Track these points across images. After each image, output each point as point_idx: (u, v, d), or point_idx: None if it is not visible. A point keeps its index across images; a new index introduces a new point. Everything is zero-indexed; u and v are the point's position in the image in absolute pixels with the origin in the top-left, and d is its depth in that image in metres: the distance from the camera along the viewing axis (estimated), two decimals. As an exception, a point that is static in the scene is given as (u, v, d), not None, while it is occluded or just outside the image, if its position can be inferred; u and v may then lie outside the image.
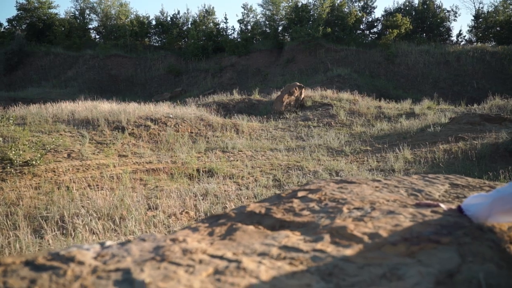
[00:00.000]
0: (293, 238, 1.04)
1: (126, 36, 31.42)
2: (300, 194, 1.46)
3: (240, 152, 10.40)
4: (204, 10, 33.41)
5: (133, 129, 11.30)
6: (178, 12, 34.12)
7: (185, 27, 33.82)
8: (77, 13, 33.97)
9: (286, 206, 1.33)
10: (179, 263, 0.90)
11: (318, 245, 0.98)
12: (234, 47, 29.80)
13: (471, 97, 20.73)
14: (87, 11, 34.16)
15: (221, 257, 0.93)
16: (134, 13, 34.91)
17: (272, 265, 0.89)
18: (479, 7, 38.72)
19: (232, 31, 36.84)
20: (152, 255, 0.95)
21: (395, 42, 27.85)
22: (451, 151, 9.32)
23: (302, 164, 8.90)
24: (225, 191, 6.65)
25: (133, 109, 12.94)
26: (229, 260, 0.91)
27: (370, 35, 32.07)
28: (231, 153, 10.29)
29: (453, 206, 1.42)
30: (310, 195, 1.43)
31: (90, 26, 34.85)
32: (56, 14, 33.35)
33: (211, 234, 1.18)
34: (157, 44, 34.02)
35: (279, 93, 17.93)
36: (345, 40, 28.69)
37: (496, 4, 33.74)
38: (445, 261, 0.88)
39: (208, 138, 11.85)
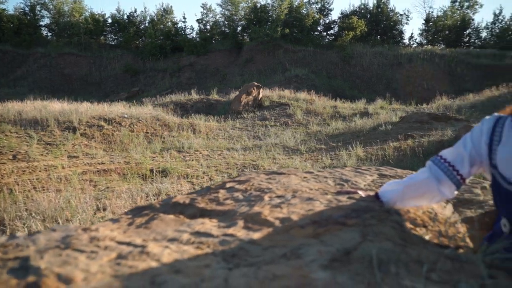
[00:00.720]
0: (208, 224, 1.05)
1: (80, 34, 30.36)
2: (228, 185, 1.48)
3: (196, 152, 10.32)
4: (162, 9, 32.92)
5: (85, 130, 10.94)
6: (135, 11, 33.42)
7: (142, 26, 33.14)
8: (27, 9, 32.40)
9: (211, 196, 1.34)
10: (83, 250, 0.88)
11: (230, 230, 0.99)
12: (192, 47, 29.53)
13: (421, 97, 21.64)
14: (38, 7, 32.66)
15: (129, 243, 0.93)
16: (89, 11, 33.88)
17: (178, 249, 0.90)
18: (429, 12, 40.49)
19: (191, 30, 36.47)
20: (57, 243, 0.93)
21: (351, 44, 28.61)
22: (400, 148, 9.69)
23: (258, 163, 8.96)
24: (178, 190, 6.58)
25: (85, 109, 12.53)
26: (135, 246, 0.91)
27: (327, 37, 32.78)
28: (187, 153, 10.20)
29: (372, 193, 1.49)
30: (237, 186, 1.44)
31: (41, 23, 33.36)
32: (4, 10, 31.64)
33: (130, 224, 1.16)
34: (113, 43, 33.11)
35: (237, 93, 17.97)
36: (303, 41, 29.16)
37: (445, 9, 35.50)
38: (347, 240, 0.92)
39: (164, 138, 11.67)
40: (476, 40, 33.84)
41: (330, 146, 10.87)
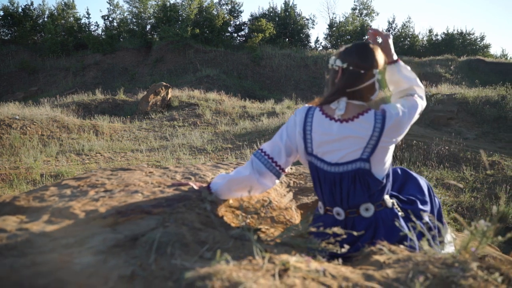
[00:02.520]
0: (9, 221, 1.04)
1: (-36, 27, 27.23)
2: (64, 182, 1.46)
3: (97, 154, 9.86)
4: (63, 3, 30.76)
5: (-33, 133, 9.87)
6: (32, 4, 30.65)
7: (40, 20, 30.67)
8: None
9: (38, 194, 1.32)
10: None
11: (28, 225, 1.00)
12: (98, 45, 28.06)
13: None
14: None
15: None
16: (-24, 1, 30.48)
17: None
18: (332, 17, 43.14)
19: (96, 27, 34.63)
20: None
21: (261, 46, 29.35)
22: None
23: (162, 163, 8.83)
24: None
25: (-32, 110, 11.30)
26: None
27: (238, 38, 33.28)
28: (87, 155, 9.70)
29: (204, 185, 1.59)
30: (72, 183, 1.44)
31: None
32: None
33: None
34: (6, 38, 30.17)
35: (145, 93, 17.48)
36: (214, 42, 29.26)
37: (346, 15, 38.02)
38: (141, 227, 0.98)
39: (62, 140, 10.96)
40: (374, 45, 36.72)
41: (236, 145, 11.07)
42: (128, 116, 15.29)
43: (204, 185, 1.60)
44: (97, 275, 0.74)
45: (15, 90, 25.06)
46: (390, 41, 1.80)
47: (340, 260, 1.13)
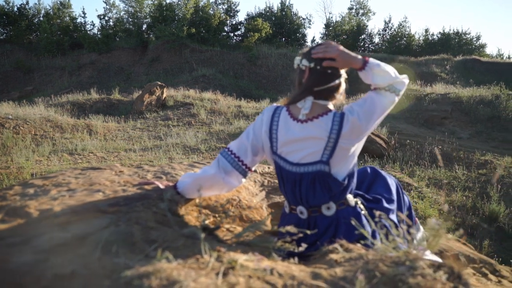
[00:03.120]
0: (-38, 220, 1.04)
1: (-40, 26, 27.13)
2: (30, 181, 1.46)
3: (90, 154, 9.84)
4: (59, 3, 30.68)
5: (-41, 133, 9.84)
6: (27, 3, 30.55)
7: (36, 20, 30.57)
8: None
9: (1, 193, 1.32)
10: None
11: (-21, 224, 1.00)
12: (94, 44, 28.00)
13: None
14: None
15: None
16: (-29, 0, 30.34)
17: None
18: (329, 17, 43.15)
19: (92, 26, 34.49)
20: None
21: (257, 45, 29.35)
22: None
23: (154, 163, 8.82)
24: (61, 194, 6.23)
25: (-39, 110, 11.26)
26: None
27: (234, 37, 33.27)
28: (80, 155, 9.68)
29: (171, 184, 1.59)
30: (37, 182, 1.44)
31: None
32: None
33: None
34: (1, 37, 30.07)
35: (141, 92, 17.45)
36: (210, 41, 29.24)
37: (343, 15, 38.09)
38: (93, 226, 0.98)
39: (55, 140, 10.94)
40: (370, 45, 36.83)
41: (229, 144, 11.07)
42: (123, 116, 15.27)
43: (171, 184, 1.61)
44: (31, 274, 0.74)
45: (10, 89, 25.00)
46: (341, 48, 1.64)
47: (296, 259, 1.13)
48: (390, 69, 1.64)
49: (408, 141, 10.67)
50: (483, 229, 6.94)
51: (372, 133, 9.95)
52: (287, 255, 1.26)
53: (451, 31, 35.23)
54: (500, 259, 6.01)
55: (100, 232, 0.95)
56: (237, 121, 14.77)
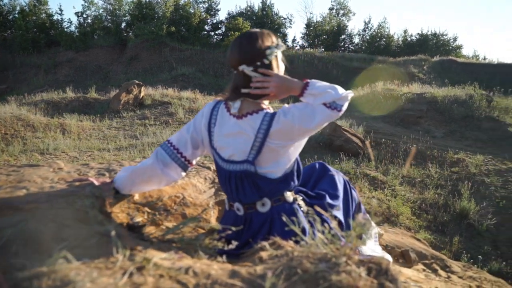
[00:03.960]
0: None
1: None
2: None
3: (62, 154, 9.63)
4: (35, -1, 30.00)
5: None
6: (2, -1, 29.78)
7: (11, 17, 29.81)
8: None
9: None
10: None
11: None
12: (71, 42, 27.46)
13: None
14: None
15: None
16: None
17: None
18: (310, 17, 43.33)
19: (69, 24, 33.84)
20: None
21: (237, 44, 29.22)
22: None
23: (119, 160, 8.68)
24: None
25: None
26: None
27: (215, 36, 33.10)
28: (52, 154, 9.46)
29: (108, 180, 1.54)
30: (-37, 179, 1.37)
31: None
32: None
33: None
34: (-26, 34, 29.22)
35: (118, 91, 17.18)
36: (190, 40, 29.02)
37: (324, 15, 38.34)
38: (3, 223, 0.92)
39: (26, 139, 10.66)
40: (350, 45, 37.18)
41: (206, 143, 10.99)
42: (99, 115, 15.01)
43: (108, 180, 1.55)
44: None
45: (-17, 88, 24.28)
46: (277, 83, 1.57)
47: (224, 257, 1.09)
48: (332, 89, 1.57)
49: (383, 140, 10.78)
50: (453, 226, 7.06)
51: (348, 132, 10.02)
52: (219, 254, 1.23)
53: (429, 32, 35.87)
54: (469, 255, 6.12)
55: (4, 231, 0.89)
56: (215, 120, 14.70)
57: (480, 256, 6.10)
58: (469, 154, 10.42)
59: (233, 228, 1.39)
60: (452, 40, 35.87)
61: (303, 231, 1.45)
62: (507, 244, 6.90)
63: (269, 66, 1.59)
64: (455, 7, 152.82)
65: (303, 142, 1.57)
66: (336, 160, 9.11)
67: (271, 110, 1.61)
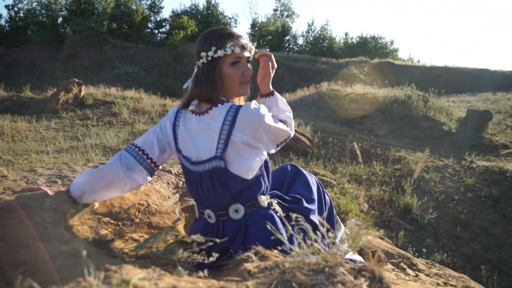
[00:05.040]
0: None
1: None
2: None
3: (-5, 157, 8.88)
4: (-42, -11, 27.56)
5: None
6: None
7: None
8: None
9: None
10: None
11: None
12: (1, 37, 25.54)
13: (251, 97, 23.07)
14: None
15: None
16: None
17: None
18: (255, 17, 43.66)
19: (-1, 18, 31.44)
20: None
21: (183, 43, 28.74)
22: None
23: (70, 165, 8.18)
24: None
25: None
26: None
27: (159, 35, 32.31)
28: (-18, 159, 8.69)
29: (63, 189, 1.39)
30: None
31: None
32: None
33: None
34: None
35: (56, 90, 16.20)
36: (133, 38, 28.09)
37: (268, 16, 38.75)
38: None
39: (-49, 142, 9.72)
40: (294, 46, 37.89)
41: (153, 144, 10.66)
42: (35, 115, 14.05)
43: (63, 189, 1.40)
44: None
45: None
46: (273, 72, 1.79)
47: (206, 271, 1.00)
48: (289, 108, 1.80)
49: (330, 139, 11.05)
50: (398, 221, 7.37)
51: (297, 131, 10.15)
52: (196, 267, 1.13)
53: (368, 36, 37.43)
54: (414, 248, 6.41)
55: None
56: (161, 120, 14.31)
57: (424, 249, 6.41)
58: (410, 152, 10.96)
59: (217, 240, 1.29)
60: (389, 43, 37.71)
61: (290, 238, 1.38)
62: (446, 237, 7.32)
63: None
64: (392, 13, 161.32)
65: (264, 147, 1.52)
66: (286, 159, 9.19)
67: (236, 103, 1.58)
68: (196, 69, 1.55)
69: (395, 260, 2.08)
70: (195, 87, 1.51)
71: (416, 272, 1.80)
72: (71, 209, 1.15)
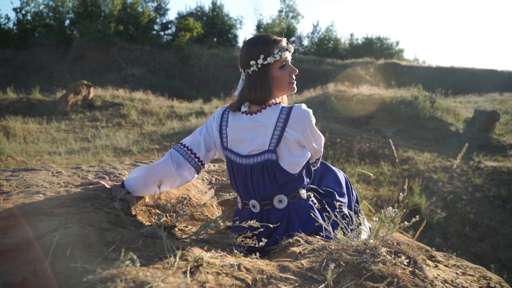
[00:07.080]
0: None
1: None
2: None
3: (8, 158, 9.06)
4: (-33, -7, 27.89)
5: None
6: None
7: None
8: None
9: None
10: None
11: None
12: (9, 39, 25.80)
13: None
14: None
15: None
16: None
17: None
18: (260, 19, 43.80)
19: (7, 20, 31.77)
20: None
21: (188, 45, 28.91)
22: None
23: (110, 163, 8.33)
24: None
25: None
26: None
27: (165, 36, 32.50)
28: (-3, 159, 8.87)
29: (118, 183, 1.51)
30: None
31: None
32: None
33: None
34: None
35: (64, 92, 16.40)
36: (140, 40, 28.28)
37: (273, 17, 38.87)
38: (39, 229, 0.88)
39: (-34, 143, 9.91)
40: (300, 47, 37.97)
41: (163, 145, 10.80)
42: (45, 117, 14.24)
43: (118, 183, 1.52)
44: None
45: None
46: None
47: (258, 254, 1.11)
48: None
49: (338, 139, 11.14)
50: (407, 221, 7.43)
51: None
52: (247, 251, 1.24)
53: (374, 36, 37.46)
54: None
55: (49, 235, 0.86)
56: (170, 121, 14.46)
57: (433, 248, 6.49)
58: (417, 152, 11.03)
59: (271, 225, 1.42)
60: (395, 44, 37.72)
61: (320, 228, 1.51)
62: (455, 236, 7.40)
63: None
64: (398, 14, 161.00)
65: (309, 149, 1.67)
66: (295, 160, 9.29)
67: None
68: (244, 76, 1.66)
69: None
70: (249, 92, 1.62)
71: (436, 263, 1.91)
72: (133, 200, 1.27)
